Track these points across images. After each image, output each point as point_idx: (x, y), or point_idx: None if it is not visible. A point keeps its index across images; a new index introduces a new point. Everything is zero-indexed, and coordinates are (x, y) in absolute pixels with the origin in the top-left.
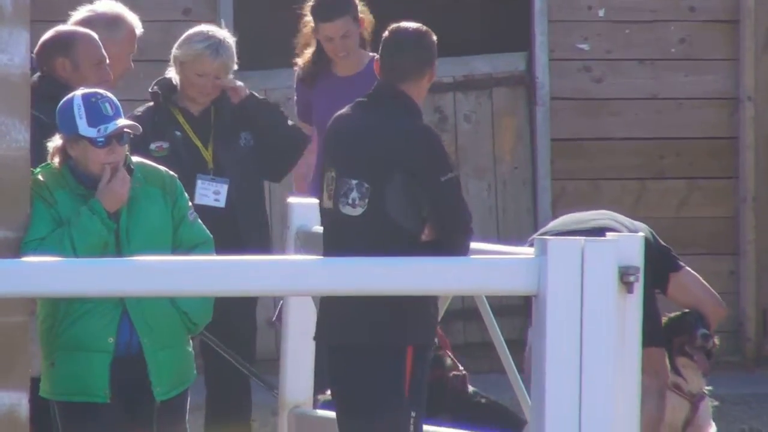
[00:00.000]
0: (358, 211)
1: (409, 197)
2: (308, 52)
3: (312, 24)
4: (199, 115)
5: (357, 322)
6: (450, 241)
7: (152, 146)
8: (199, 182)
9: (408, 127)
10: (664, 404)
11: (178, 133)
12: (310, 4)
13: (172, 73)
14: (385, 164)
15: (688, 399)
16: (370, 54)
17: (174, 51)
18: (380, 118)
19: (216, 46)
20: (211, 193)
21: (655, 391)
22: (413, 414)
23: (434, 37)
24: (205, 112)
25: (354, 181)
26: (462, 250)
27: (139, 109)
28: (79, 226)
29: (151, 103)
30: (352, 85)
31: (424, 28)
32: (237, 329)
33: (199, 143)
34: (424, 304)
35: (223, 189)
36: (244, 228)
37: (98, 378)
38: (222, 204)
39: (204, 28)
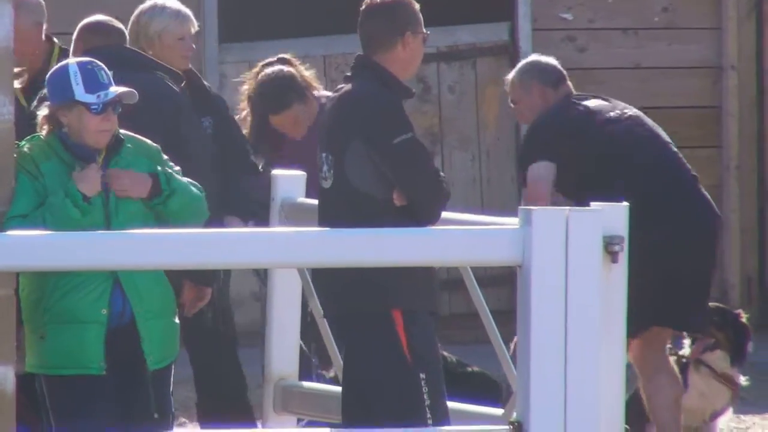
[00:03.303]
0: (329, 183)
1: (370, 164)
2: (252, 129)
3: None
4: None
5: (339, 293)
6: (418, 204)
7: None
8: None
9: (360, 95)
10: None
11: None
12: (253, 95)
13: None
14: (342, 133)
15: (729, 387)
16: (314, 108)
17: (141, 29)
18: (347, 91)
19: (178, 10)
20: None
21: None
22: (423, 376)
23: (412, 6)
24: None
25: (323, 154)
26: (432, 211)
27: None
28: (52, 207)
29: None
30: (306, 146)
31: None
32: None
33: None
34: (409, 269)
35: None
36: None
37: (93, 350)
38: None
39: (150, 2)
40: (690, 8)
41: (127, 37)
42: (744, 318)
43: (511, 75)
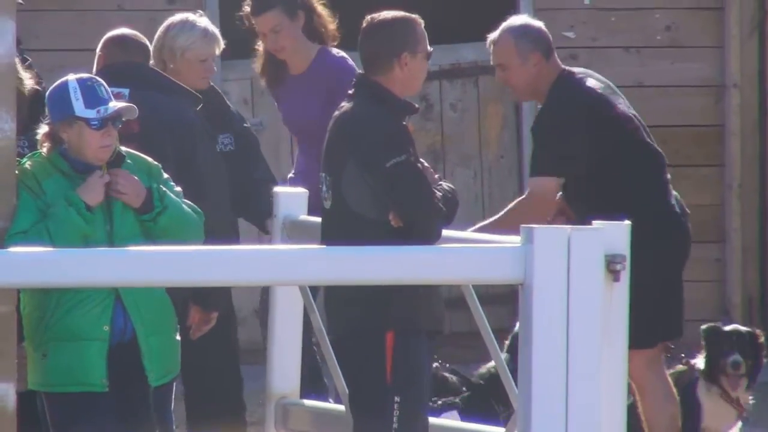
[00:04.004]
0: (329, 203)
1: (365, 186)
2: (259, 57)
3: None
4: None
5: (337, 312)
6: (413, 225)
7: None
8: None
9: (356, 116)
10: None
11: None
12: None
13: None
14: (339, 154)
15: (735, 407)
16: (318, 46)
17: (167, 42)
18: (345, 111)
19: (207, 29)
20: None
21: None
22: (397, 399)
23: (411, 26)
24: None
25: (323, 174)
26: (427, 233)
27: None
28: (55, 217)
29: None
30: (303, 82)
31: (397, 16)
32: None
33: None
34: (410, 289)
35: None
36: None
37: (95, 367)
38: None
39: (183, 15)
40: (692, 27)
41: (151, 51)
42: (761, 338)
43: (502, 36)
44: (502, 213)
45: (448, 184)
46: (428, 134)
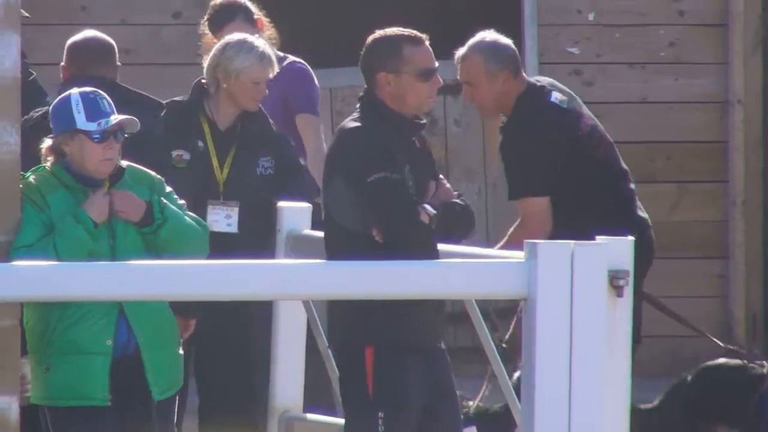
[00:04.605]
0: (323, 215)
1: (348, 199)
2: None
3: (210, 36)
4: (225, 130)
5: (331, 325)
6: (394, 242)
7: (173, 154)
8: (209, 208)
9: (347, 130)
10: None
11: (201, 144)
12: (206, 17)
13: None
14: (328, 167)
15: None
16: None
17: (222, 62)
18: (342, 125)
19: (264, 53)
20: (223, 218)
21: None
22: (381, 415)
23: (396, 46)
24: (230, 128)
25: (322, 187)
26: (408, 248)
27: (175, 100)
28: (63, 233)
29: (180, 98)
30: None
31: (380, 36)
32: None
33: (215, 162)
34: (394, 305)
35: (234, 212)
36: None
37: (98, 381)
38: (235, 229)
39: (241, 36)
40: (696, 43)
41: (115, 51)
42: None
43: (471, 54)
44: (501, 243)
45: (463, 201)
46: (432, 149)
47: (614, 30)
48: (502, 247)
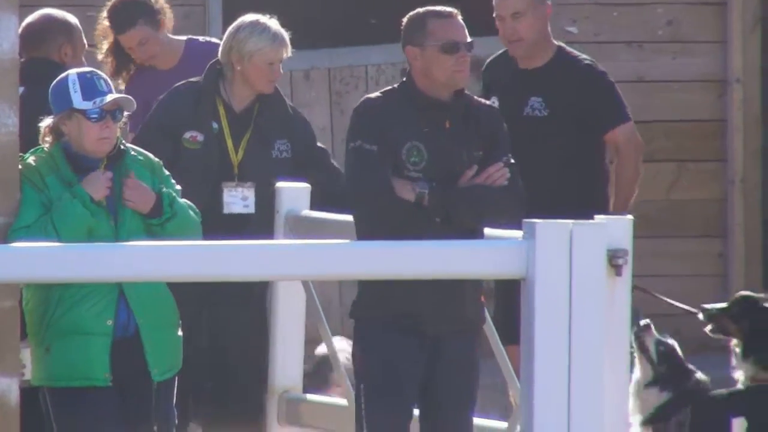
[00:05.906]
0: None
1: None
2: (105, 47)
3: (107, 25)
4: (240, 112)
5: None
6: (360, 215)
7: (187, 135)
8: (225, 191)
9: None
10: None
11: (215, 125)
12: (105, 13)
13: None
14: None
15: None
16: (184, 38)
17: (236, 44)
18: None
19: (277, 33)
20: (239, 199)
21: None
22: (362, 386)
23: (420, 20)
24: (246, 111)
25: None
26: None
27: (190, 81)
28: (60, 210)
29: (195, 80)
30: (177, 76)
31: (411, 13)
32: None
33: (230, 143)
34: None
35: (251, 193)
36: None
37: (98, 362)
38: (252, 209)
39: (254, 17)
40: (695, 21)
41: (75, 25)
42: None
43: None
44: (620, 187)
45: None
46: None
47: (612, 9)
48: (620, 194)
